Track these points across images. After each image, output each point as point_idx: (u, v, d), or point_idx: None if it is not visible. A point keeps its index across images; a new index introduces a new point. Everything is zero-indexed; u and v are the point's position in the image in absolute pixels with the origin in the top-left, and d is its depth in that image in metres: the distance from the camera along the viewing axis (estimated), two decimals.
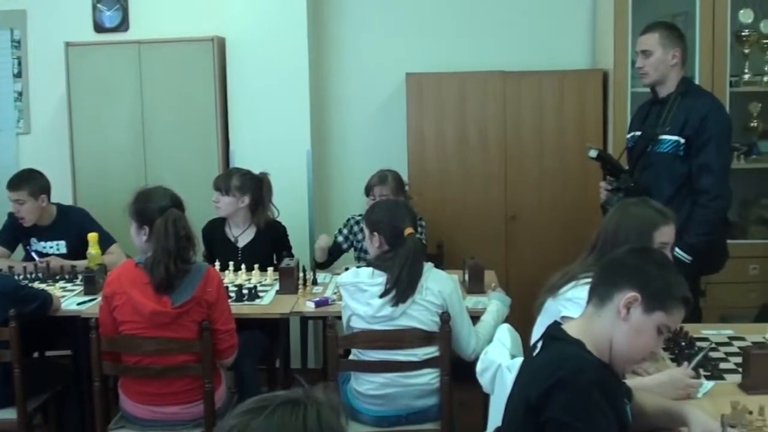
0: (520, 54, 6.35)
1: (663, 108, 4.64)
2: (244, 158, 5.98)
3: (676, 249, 4.35)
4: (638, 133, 4.78)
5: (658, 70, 4.64)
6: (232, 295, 4.66)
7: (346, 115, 6.52)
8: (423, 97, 6.09)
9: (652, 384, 3.06)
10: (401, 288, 3.90)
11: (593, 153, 4.65)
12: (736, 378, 3.28)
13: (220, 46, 6.17)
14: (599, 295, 2.58)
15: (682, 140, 4.52)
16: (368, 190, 5.32)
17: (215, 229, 5.43)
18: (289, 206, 5.72)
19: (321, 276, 5.15)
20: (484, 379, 3.22)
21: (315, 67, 6.31)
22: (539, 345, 2.62)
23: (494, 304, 4.37)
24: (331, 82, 6.49)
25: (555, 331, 2.62)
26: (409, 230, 4.00)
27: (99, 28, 6.56)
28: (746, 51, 6.15)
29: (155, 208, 4.05)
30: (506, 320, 4.15)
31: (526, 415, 2.43)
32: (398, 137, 6.17)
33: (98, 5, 6.54)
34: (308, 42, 6.15)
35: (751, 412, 2.82)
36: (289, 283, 4.85)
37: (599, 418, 2.33)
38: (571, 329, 2.59)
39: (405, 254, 3.93)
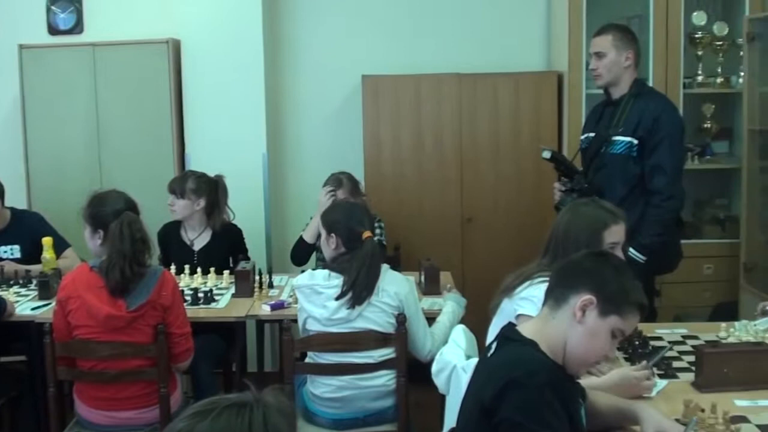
0: (475, 56, 6.38)
1: (616, 109, 4.69)
2: (200, 161, 5.95)
3: (630, 249, 4.40)
4: (592, 134, 4.82)
5: (612, 72, 4.68)
6: (188, 298, 4.63)
7: (302, 117, 6.51)
8: (379, 99, 6.10)
9: (606, 384, 3.08)
10: (358, 290, 3.90)
11: (547, 154, 4.69)
12: (690, 377, 3.31)
13: (175, 48, 6.14)
14: (555, 296, 2.60)
15: (635, 141, 4.57)
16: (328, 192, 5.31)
17: (171, 232, 5.40)
18: (245, 209, 5.72)
19: (277, 279, 5.14)
20: (439, 380, 3.23)
21: (270, 69, 6.30)
22: (494, 346, 2.64)
23: (449, 305, 4.39)
24: (286, 84, 6.48)
25: (509, 332, 2.63)
26: (367, 233, 4.01)
27: (53, 30, 6.50)
28: (699, 53, 6.23)
29: (109, 211, 4.01)
30: (462, 321, 4.16)
31: (480, 415, 2.44)
32: (354, 139, 6.18)
33: (52, 7, 6.47)
34: (264, 44, 6.14)
35: (703, 410, 2.85)
36: (244, 286, 4.84)
37: (552, 419, 2.34)
38: (525, 330, 2.61)
39: (363, 257, 3.94)
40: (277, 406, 1.69)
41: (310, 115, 6.50)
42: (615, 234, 3.41)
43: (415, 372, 3.95)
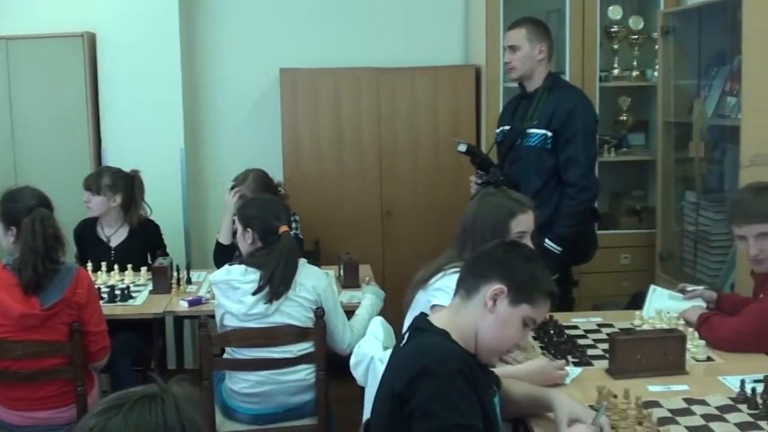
0: (393, 50, 6.38)
1: (530, 102, 4.73)
2: (117, 157, 5.86)
3: (546, 240, 4.46)
4: (507, 127, 4.86)
5: (525, 65, 4.72)
6: (105, 296, 4.59)
7: (220, 111, 6.45)
8: (297, 93, 6.07)
9: (521, 372, 3.12)
10: (275, 285, 3.89)
11: (462, 147, 4.71)
12: (604, 364, 3.36)
13: (90, 41, 6.04)
14: (467, 286, 2.62)
15: (550, 133, 4.61)
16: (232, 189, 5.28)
17: (87, 229, 5.33)
18: (163, 205, 5.66)
19: (195, 275, 5.10)
20: (357, 373, 3.23)
21: (187, 63, 6.24)
22: (406, 336, 2.65)
23: (368, 298, 4.40)
24: (204, 78, 6.42)
25: (421, 323, 2.64)
26: (283, 228, 3.99)
27: None
28: (615, 47, 6.32)
29: (22, 208, 3.95)
30: (382, 313, 4.17)
31: (392, 405, 2.45)
32: (273, 133, 6.13)
33: None
34: (180, 37, 6.08)
35: (615, 396, 2.89)
36: (162, 282, 4.80)
37: (463, 406, 2.36)
38: (437, 320, 2.62)
39: (280, 252, 3.92)
40: (185, 395, 1.67)
41: (228, 110, 6.44)
42: (522, 223, 3.45)
43: (337, 366, 3.94)
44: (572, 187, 4.58)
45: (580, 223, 4.62)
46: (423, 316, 2.71)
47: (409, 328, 2.68)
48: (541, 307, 2.58)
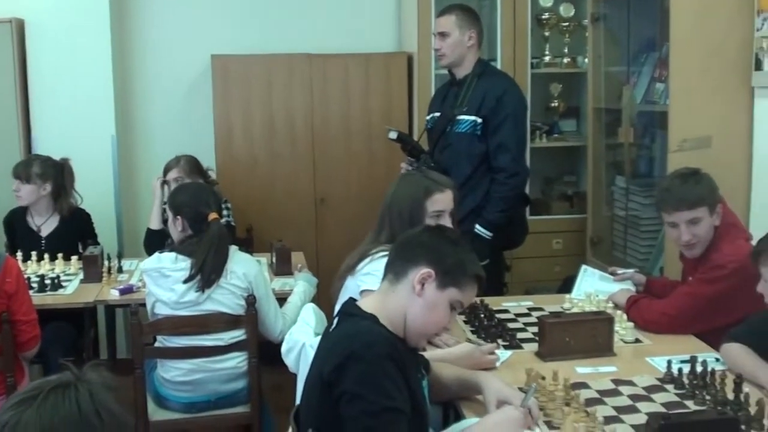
0: (326, 36, 6.37)
1: (460, 89, 4.75)
2: (46, 144, 5.76)
3: (477, 226, 4.48)
4: (437, 114, 4.88)
5: (455, 52, 4.73)
6: (35, 285, 4.54)
7: (152, 98, 6.37)
8: (229, 80, 6.03)
9: (452, 356, 3.14)
10: (206, 273, 3.87)
11: (393, 135, 4.73)
12: (534, 347, 3.40)
13: (18, 27, 5.92)
14: (395, 271, 2.62)
15: (479, 120, 4.63)
16: (165, 175, 5.25)
17: (16, 218, 5.26)
18: (94, 193, 5.60)
19: (127, 263, 5.06)
20: (289, 359, 3.22)
21: (118, 49, 6.15)
22: (335, 321, 2.65)
23: (301, 285, 4.39)
24: (135, 65, 6.34)
25: (350, 308, 2.65)
26: (213, 215, 3.97)
27: None
28: (546, 34, 6.38)
29: None
30: (314, 301, 4.18)
31: (321, 389, 2.45)
32: (205, 120, 6.09)
33: None
34: (111, 24, 5.98)
35: (544, 378, 2.93)
36: (93, 271, 4.74)
37: (392, 389, 2.36)
38: (365, 305, 2.63)
39: (209, 239, 3.90)
40: (101, 381, 1.66)
41: (159, 97, 6.37)
42: (439, 202, 3.46)
43: (269, 354, 3.92)
44: (502, 173, 4.61)
45: (510, 209, 4.66)
46: (351, 300, 2.71)
47: (338, 313, 2.68)
48: (468, 290, 2.60)
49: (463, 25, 4.71)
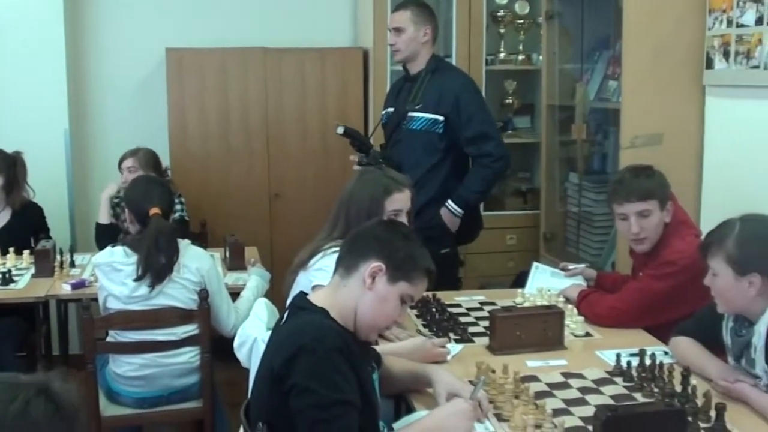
0: (281, 31, 6.34)
1: (414, 85, 4.77)
2: None
3: (449, 201, 4.59)
4: (391, 109, 4.90)
5: (410, 47, 4.75)
6: None
7: (105, 91, 6.31)
8: (184, 73, 5.99)
9: (403, 349, 3.16)
10: (153, 269, 3.85)
11: (340, 130, 4.72)
12: (485, 341, 3.43)
13: None
14: (346, 264, 2.63)
15: (441, 118, 4.67)
16: (120, 164, 5.21)
17: None
18: (47, 187, 5.55)
19: (80, 258, 5.02)
20: (241, 354, 3.22)
21: (72, 43, 6.09)
22: (285, 315, 2.65)
23: (254, 279, 4.38)
24: (89, 57, 6.28)
25: (300, 301, 2.65)
26: (154, 210, 3.94)
27: None
28: (501, 31, 6.41)
29: None
30: (267, 295, 4.15)
31: (271, 383, 2.45)
32: (159, 114, 6.04)
33: None
34: (64, 16, 5.92)
35: (494, 371, 2.95)
36: (45, 265, 4.70)
37: (341, 382, 2.37)
38: (316, 299, 2.64)
39: (148, 235, 3.88)
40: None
41: (114, 90, 6.31)
42: (397, 201, 3.49)
43: (223, 350, 3.91)
44: (488, 157, 4.68)
45: (487, 192, 4.77)
46: (302, 294, 2.72)
47: (289, 306, 2.69)
48: (418, 284, 2.61)
49: (418, 20, 4.73)
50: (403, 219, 3.46)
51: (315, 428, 2.36)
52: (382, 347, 3.05)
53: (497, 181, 4.94)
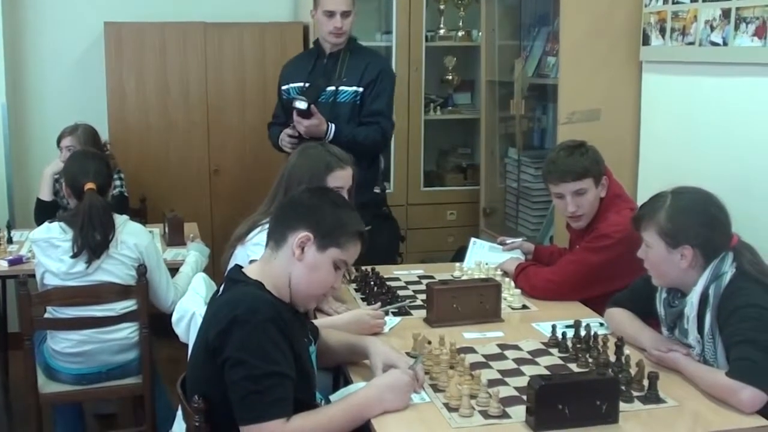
0: (221, 5, 6.29)
1: (335, 62, 4.89)
2: None
3: (331, 125, 4.65)
4: (300, 84, 4.94)
5: (350, 29, 4.87)
6: None
7: (44, 66, 6.22)
8: (122, 48, 5.91)
9: (341, 322, 3.19)
10: (88, 246, 3.82)
11: (302, 105, 4.59)
12: (423, 314, 3.45)
13: None
14: (275, 237, 2.64)
15: (360, 89, 4.80)
16: (58, 142, 5.16)
17: None
18: None
19: (18, 234, 4.96)
20: (179, 329, 3.21)
21: (8, 15, 5.97)
22: (221, 288, 2.66)
23: (192, 255, 4.38)
24: (27, 31, 6.17)
25: (235, 274, 2.66)
26: (89, 185, 3.91)
27: None
28: (441, 7, 6.44)
29: None
30: (206, 271, 4.14)
31: (206, 355, 2.47)
32: (98, 89, 5.97)
33: None
34: None
35: (430, 342, 2.98)
36: None
37: (276, 354, 2.39)
38: (251, 272, 2.64)
39: (82, 210, 3.85)
40: None
41: (52, 64, 6.22)
42: (339, 179, 3.48)
43: (167, 326, 3.90)
44: (381, 116, 4.84)
45: (356, 146, 4.61)
46: (238, 267, 2.72)
47: (224, 279, 2.69)
48: (350, 248, 2.62)
49: (354, 3, 4.85)
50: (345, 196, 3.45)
51: (248, 399, 2.38)
52: (320, 321, 3.08)
53: (368, 148, 4.82)
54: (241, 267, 2.73)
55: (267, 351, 2.38)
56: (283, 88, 5.02)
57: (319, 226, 2.57)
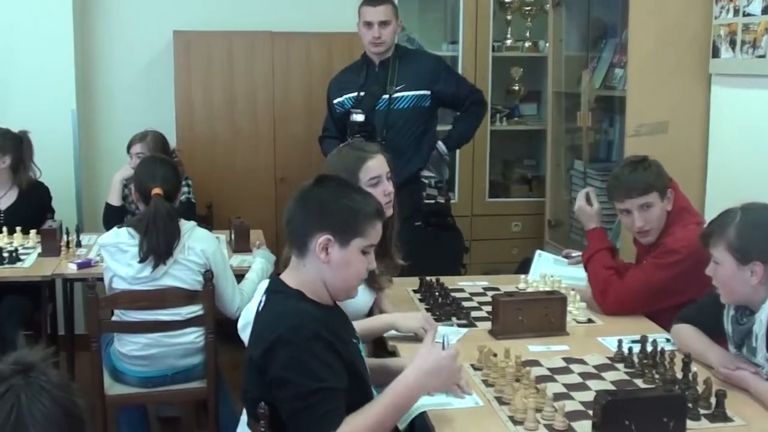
0: (288, 15, 6.31)
1: (386, 71, 5.04)
2: (5, 117, 5.69)
3: (439, 143, 5.08)
4: (354, 94, 5.10)
5: (392, 39, 5.04)
6: None
7: (113, 73, 6.32)
8: (191, 56, 5.99)
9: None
10: (154, 250, 3.87)
11: (360, 117, 4.74)
12: (488, 325, 3.44)
13: None
14: (296, 246, 2.57)
15: (427, 92, 5.00)
16: (129, 149, 5.23)
17: None
18: (54, 167, 5.55)
19: (86, 238, 5.04)
20: (245, 335, 3.21)
21: (80, 23, 6.08)
22: (263, 300, 2.63)
23: (258, 261, 4.40)
24: (97, 39, 6.27)
25: (275, 285, 2.63)
26: (156, 190, 3.95)
27: None
28: (508, 17, 6.44)
29: None
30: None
31: (255, 373, 2.46)
32: (166, 96, 6.04)
33: None
34: None
35: (495, 355, 2.97)
36: (51, 245, 4.73)
37: (321, 370, 2.37)
38: (290, 280, 2.59)
39: (147, 215, 3.90)
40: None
41: (122, 72, 6.31)
42: (373, 169, 3.39)
43: (232, 332, 3.93)
44: (480, 105, 5.27)
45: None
46: (277, 277, 2.69)
47: (265, 290, 2.66)
48: (371, 231, 2.56)
49: (396, 13, 5.01)
50: (386, 184, 3.39)
51: (297, 417, 2.38)
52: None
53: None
54: (279, 275, 2.70)
55: (312, 369, 2.36)
56: (336, 101, 5.09)
57: (332, 223, 2.50)
